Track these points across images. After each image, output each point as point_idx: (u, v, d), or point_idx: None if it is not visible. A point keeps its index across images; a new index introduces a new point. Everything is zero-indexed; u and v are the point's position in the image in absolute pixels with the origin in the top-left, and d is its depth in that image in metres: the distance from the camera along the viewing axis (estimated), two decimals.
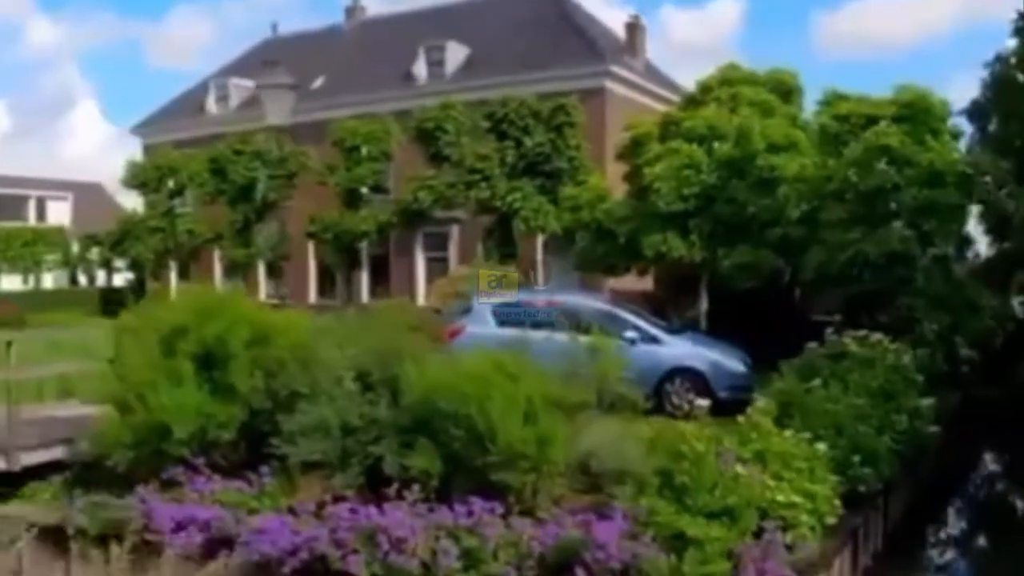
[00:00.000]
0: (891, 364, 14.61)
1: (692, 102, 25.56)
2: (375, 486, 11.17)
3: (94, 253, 53.81)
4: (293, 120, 40.09)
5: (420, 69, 40.09)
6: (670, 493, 10.05)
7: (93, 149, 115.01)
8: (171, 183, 42.17)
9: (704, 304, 23.89)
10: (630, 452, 11.17)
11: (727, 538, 9.55)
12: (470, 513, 10.23)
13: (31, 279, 54.13)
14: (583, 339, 14.23)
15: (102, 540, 11.71)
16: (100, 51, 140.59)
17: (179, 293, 14.46)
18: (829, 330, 16.16)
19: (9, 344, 12.63)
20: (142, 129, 49.34)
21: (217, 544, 10.82)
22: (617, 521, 9.88)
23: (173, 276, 46.16)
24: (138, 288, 48.42)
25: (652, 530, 9.62)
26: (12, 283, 52.84)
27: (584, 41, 37.45)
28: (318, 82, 43.92)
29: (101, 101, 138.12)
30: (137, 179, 42.77)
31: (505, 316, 17.51)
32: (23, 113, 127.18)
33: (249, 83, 46.83)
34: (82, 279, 56.34)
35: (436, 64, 39.87)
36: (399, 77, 40.66)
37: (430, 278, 38.13)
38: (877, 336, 15.39)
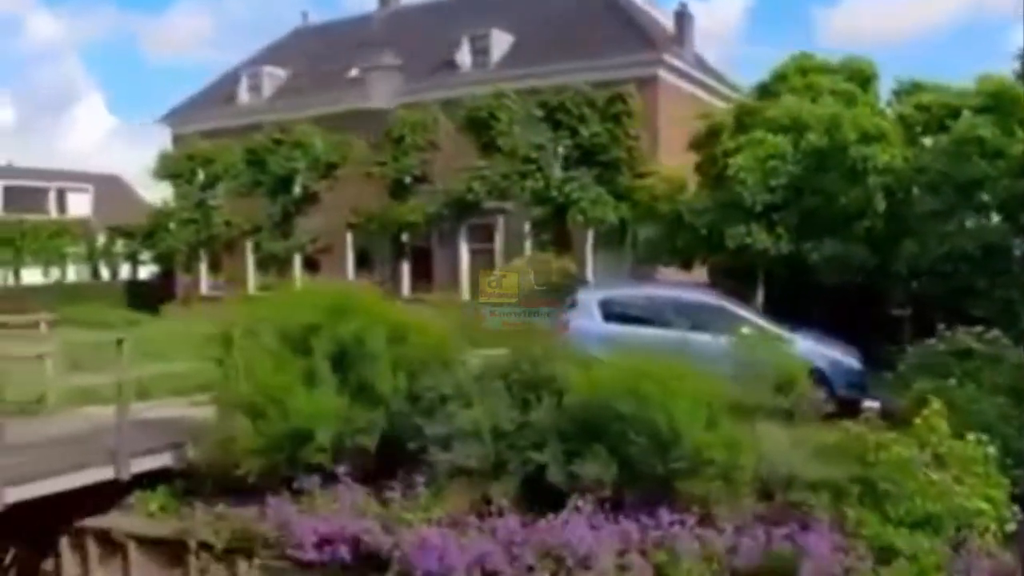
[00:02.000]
0: (1016, 362, 13.81)
1: (765, 92, 24.68)
2: (531, 495, 10.37)
3: (119, 246, 53.00)
4: (331, 109, 39.87)
5: (464, 57, 39.12)
6: (870, 501, 9.29)
7: (97, 142, 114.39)
8: (203, 174, 41.24)
9: (760, 296, 23.07)
10: (798, 457, 10.37)
11: (937, 550, 8.78)
12: (657, 525, 9.43)
13: (52, 272, 53.22)
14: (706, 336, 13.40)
15: (228, 555, 10.92)
16: (102, 44, 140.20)
17: (300, 289, 13.47)
18: (941, 326, 15.36)
19: (120, 342, 11.71)
20: (171, 119, 48.33)
21: (367, 560, 9.99)
22: (824, 532, 9.07)
23: (203, 269, 45.30)
24: (165, 281, 47.68)
25: (863, 542, 8.84)
26: (33, 276, 52.01)
27: (635, 29, 36.46)
28: (354, 71, 42.96)
29: (104, 94, 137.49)
30: (168, 170, 41.83)
31: (612, 310, 16.64)
32: (26, 107, 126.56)
33: (282, 72, 46.03)
34: (104, 272, 55.42)
35: (480, 52, 38.87)
36: (440, 66, 39.69)
37: (474, 270, 37.26)
38: (995, 332, 14.62)
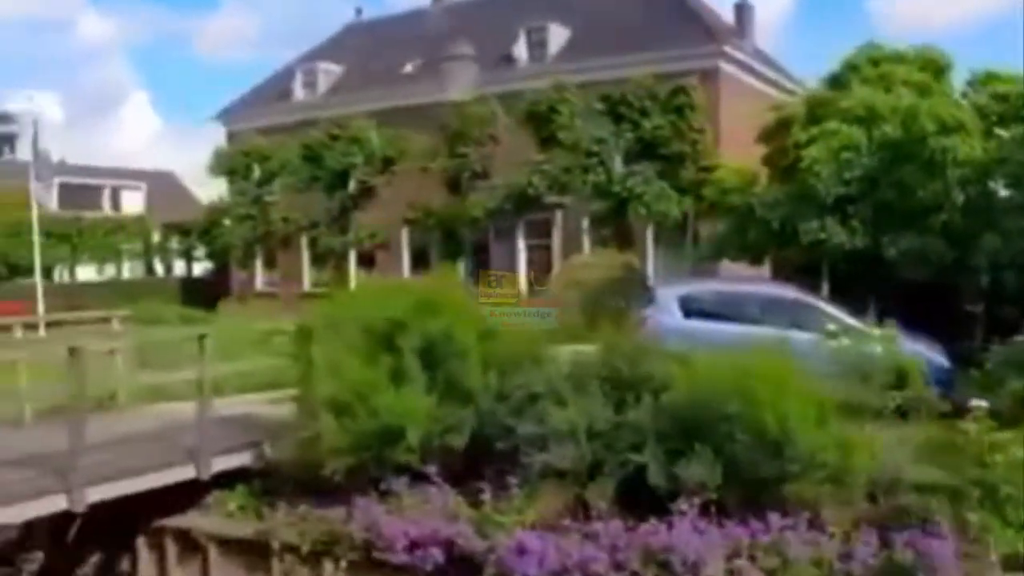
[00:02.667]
0: None
1: (836, 82, 24.14)
2: (627, 498, 9.99)
3: (174, 242, 53.19)
4: (388, 104, 39.63)
5: (520, 51, 38.67)
6: (990, 505, 8.84)
7: (142, 141, 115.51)
8: (259, 170, 41.20)
9: (824, 291, 22.57)
10: (910, 458, 9.94)
11: None
12: (766, 529, 9.02)
13: (107, 269, 53.44)
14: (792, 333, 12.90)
15: (312, 557, 10.60)
16: (149, 44, 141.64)
17: (383, 285, 13.18)
18: None
19: (202, 338, 11.43)
20: (226, 116, 48.26)
21: (460, 564, 9.63)
22: (947, 538, 8.62)
23: (258, 265, 45.22)
24: (220, 277, 47.69)
25: (986, 548, 8.40)
26: (87, 273, 52.24)
27: (695, 21, 35.90)
28: (409, 66, 42.72)
29: (149, 94, 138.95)
30: (224, 166, 41.85)
31: (691, 306, 16.20)
32: (74, 106, 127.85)
33: (337, 68, 45.84)
34: (158, 268, 55.61)
35: (537, 46, 38.43)
36: (497, 60, 39.29)
37: (532, 266, 36.94)
38: None
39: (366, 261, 41.19)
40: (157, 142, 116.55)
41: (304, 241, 42.36)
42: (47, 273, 49.26)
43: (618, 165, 30.38)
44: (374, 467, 10.63)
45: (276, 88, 47.37)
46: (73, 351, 9.67)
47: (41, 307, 29.30)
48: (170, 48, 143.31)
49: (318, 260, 43.09)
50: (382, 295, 11.55)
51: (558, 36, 38.27)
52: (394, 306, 10.92)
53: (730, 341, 11.77)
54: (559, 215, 35.39)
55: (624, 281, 25.63)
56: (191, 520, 11.66)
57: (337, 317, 11.42)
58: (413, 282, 13.20)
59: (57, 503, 9.87)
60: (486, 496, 10.11)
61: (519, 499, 10.05)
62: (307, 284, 43.67)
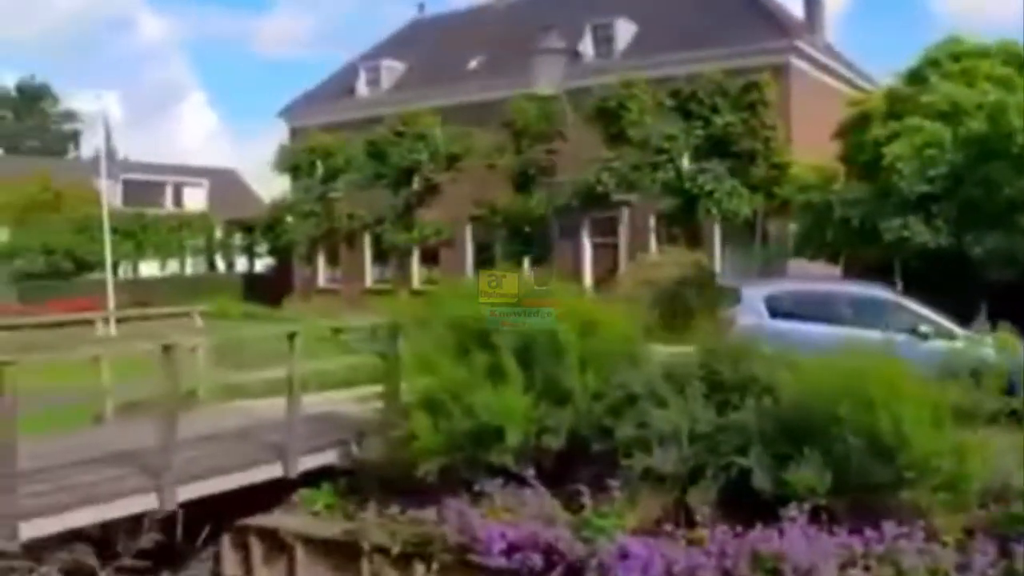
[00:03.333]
0: None
1: (915, 78, 23.64)
2: (728, 502, 9.67)
3: (237, 238, 53.39)
4: (452, 101, 39.47)
5: (587, 47, 38.36)
6: None
7: (199, 138, 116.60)
8: (323, 167, 41.19)
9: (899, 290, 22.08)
10: (1012, 463, 9.57)
11: None
12: (880, 538, 8.68)
13: (169, 265, 53.71)
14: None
15: (403, 559, 10.37)
16: (206, 43, 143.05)
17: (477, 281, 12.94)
18: None
19: (292, 336, 11.24)
20: (289, 113, 48.37)
21: (560, 569, 9.36)
22: None
23: (321, 261, 45.26)
24: (281, 274, 47.76)
25: None
26: (150, 269, 52.53)
27: (764, 16, 35.40)
28: (473, 63, 42.57)
29: (206, 92, 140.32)
30: (289, 163, 41.91)
31: (778, 306, 15.83)
32: (133, 104, 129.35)
33: (401, 64, 45.76)
34: (220, 265, 55.85)
35: (604, 42, 38.13)
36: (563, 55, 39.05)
37: (597, 264, 36.65)
38: None
39: (428, 258, 41.13)
40: (213, 140, 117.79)
41: (367, 238, 42.33)
42: (113, 269, 49.62)
43: (687, 162, 29.99)
44: (466, 468, 10.38)
45: (340, 85, 47.39)
46: (167, 348, 9.50)
47: (111, 303, 29.29)
48: (226, 48, 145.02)
49: (380, 257, 43.08)
50: (473, 292, 11.27)
51: (625, 32, 37.95)
52: (488, 303, 10.66)
53: (819, 342, 11.47)
54: (625, 213, 35.06)
55: (695, 280, 25.26)
56: (276, 519, 11.48)
57: (427, 315, 11.21)
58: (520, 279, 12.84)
59: (147, 502, 9.70)
60: (584, 499, 9.82)
61: (619, 503, 9.75)
62: (369, 281, 43.66)
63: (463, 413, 10.01)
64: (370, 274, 44.06)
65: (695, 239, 30.42)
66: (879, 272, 21.88)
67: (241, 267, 55.11)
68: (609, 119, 30.87)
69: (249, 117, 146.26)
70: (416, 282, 40.94)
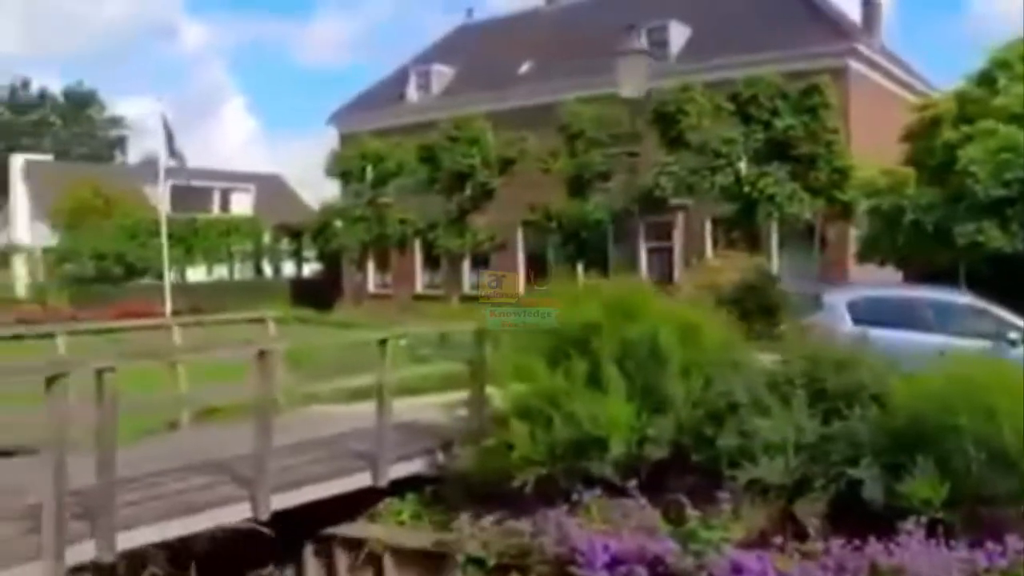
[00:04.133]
0: None
1: (985, 80, 23.23)
2: (836, 515, 9.37)
3: (285, 243, 53.48)
4: (503, 105, 39.30)
5: None
6: None
7: (239, 144, 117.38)
8: (373, 172, 41.09)
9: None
10: None
11: None
12: (1003, 552, 8.35)
13: (216, 270, 53.78)
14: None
15: (499, 570, 10.12)
16: (247, 50, 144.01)
17: (571, 286, 12.69)
18: None
19: (383, 342, 11.02)
20: (338, 119, 48.46)
21: None
22: None
23: (371, 266, 45.22)
24: (330, 279, 47.76)
25: None
26: (197, 274, 52.58)
27: (822, 18, 35.06)
28: (524, 67, 42.43)
29: (246, 98, 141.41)
30: (340, 168, 41.87)
31: (861, 312, 15.48)
32: (175, 110, 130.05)
33: (450, 69, 45.68)
34: (267, 270, 55.92)
35: (658, 45, 37.81)
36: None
37: (651, 269, 36.36)
38: None
39: (479, 264, 40.98)
40: (252, 145, 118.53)
41: (417, 243, 42.23)
42: (163, 274, 49.79)
43: (746, 166, 29.65)
44: (564, 478, 10.11)
45: (389, 90, 47.41)
46: (263, 354, 9.31)
47: (168, 308, 29.30)
48: (265, 54, 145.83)
49: (430, 262, 43.02)
50: (566, 298, 11.02)
51: (678, 35, 37.67)
52: (584, 309, 10.41)
53: (904, 348, 11.17)
54: (680, 217, 34.76)
55: (758, 285, 24.91)
56: (363, 528, 11.25)
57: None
58: (598, 284, 12.62)
59: (241, 511, 9.52)
60: (687, 511, 9.53)
61: (725, 515, 9.47)
62: (419, 286, 43.62)
63: (565, 422, 9.74)
64: (420, 279, 44.00)
65: (754, 243, 30.05)
66: (944, 276, 21.54)
67: (287, 272, 55.18)
68: (667, 123, 30.53)
69: (288, 123, 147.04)
70: (467, 287, 40.80)
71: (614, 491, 10.13)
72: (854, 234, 29.02)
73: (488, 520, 10.46)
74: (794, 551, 8.93)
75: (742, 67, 32.67)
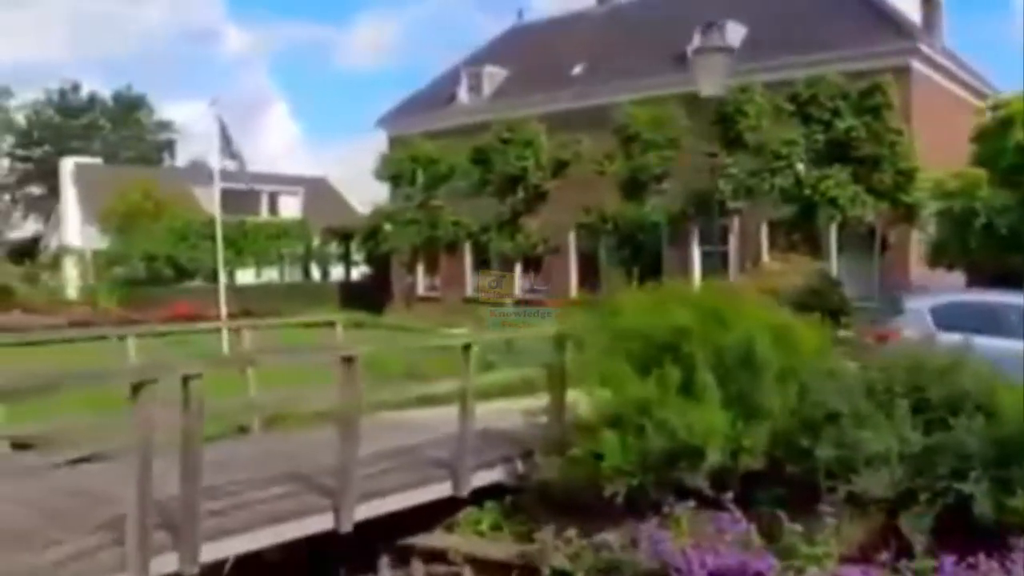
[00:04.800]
0: None
1: None
2: (940, 529, 8.96)
3: (333, 246, 53.44)
4: (555, 107, 38.97)
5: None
6: None
7: (282, 147, 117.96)
8: (424, 174, 40.87)
9: None
10: None
11: None
12: None
13: (264, 273, 53.77)
14: None
15: None
16: (289, 56, 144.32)
17: (656, 289, 12.34)
18: None
19: (467, 348, 10.71)
20: (387, 121, 48.24)
21: None
22: None
23: (420, 269, 45.01)
24: (378, 282, 47.61)
25: None
26: (245, 277, 52.57)
27: (882, 17, 34.34)
28: (577, 68, 42.04)
29: (288, 102, 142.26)
30: (391, 171, 41.68)
31: (944, 318, 15.03)
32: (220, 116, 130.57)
33: (502, 71, 45.38)
34: (315, 272, 55.89)
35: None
36: (671, 60, 38.29)
37: (705, 272, 35.90)
38: None
39: (530, 266, 40.67)
40: (295, 149, 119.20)
41: (468, 246, 41.98)
42: (213, 276, 49.80)
43: (803, 168, 29.21)
44: (654, 489, 9.76)
45: (439, 92, 47.11)
46: (348, 360, 9.01)
47: (224, 310, 29.15)
48: (309, 59, 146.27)
49: (480, 265, 42.74)
50: (654, 303, 10.67)
51: (734, 34, 37.09)
52: (672, 313, 10.05)
53: (991, 354, 10.71)
54: (736, 220, 34.26)
55: (821, 289, 24.48)
56: (441, 539, 10.94)
57: (600, 325, 10.64)
58: (687, 288, 12.29)
59: (323, 521, 9.24)
60: (783, 524, 9.16)
61: (825, 529, 9.08)
62: (469, 289, 43.31)
63: (657, 431, 9.39)
64: (470, 283, 43.74)
65: (813, 247, 29.56)
66: (1005, 281, 21.05)
67: (335, 275, 55.12)
68: (726, 124, 30.09)
69: (329, 127, 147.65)
70: (518, 291, 40.52)
71: (705, 503, 9.78)
72: (916, 237, 28.57)
73: (573, 532, 10.12)
74: (903, 568, 8.55)
75: (801, 67, 32.19)
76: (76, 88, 79.45)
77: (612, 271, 37.70)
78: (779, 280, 25.81)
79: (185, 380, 7.68)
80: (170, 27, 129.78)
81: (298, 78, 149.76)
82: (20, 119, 77.07)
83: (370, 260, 50.42)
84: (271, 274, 53.30)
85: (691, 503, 9.69)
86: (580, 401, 10.76)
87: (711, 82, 16.30)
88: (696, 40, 37.38)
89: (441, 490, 10.56)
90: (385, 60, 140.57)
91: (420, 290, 45.12)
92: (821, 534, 8.98)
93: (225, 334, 24.39)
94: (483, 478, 11.02)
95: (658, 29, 39.96)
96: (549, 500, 10.72)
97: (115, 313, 39.96)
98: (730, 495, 9.52)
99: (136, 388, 7.31)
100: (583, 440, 10.06)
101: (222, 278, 30.47)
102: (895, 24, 34.10)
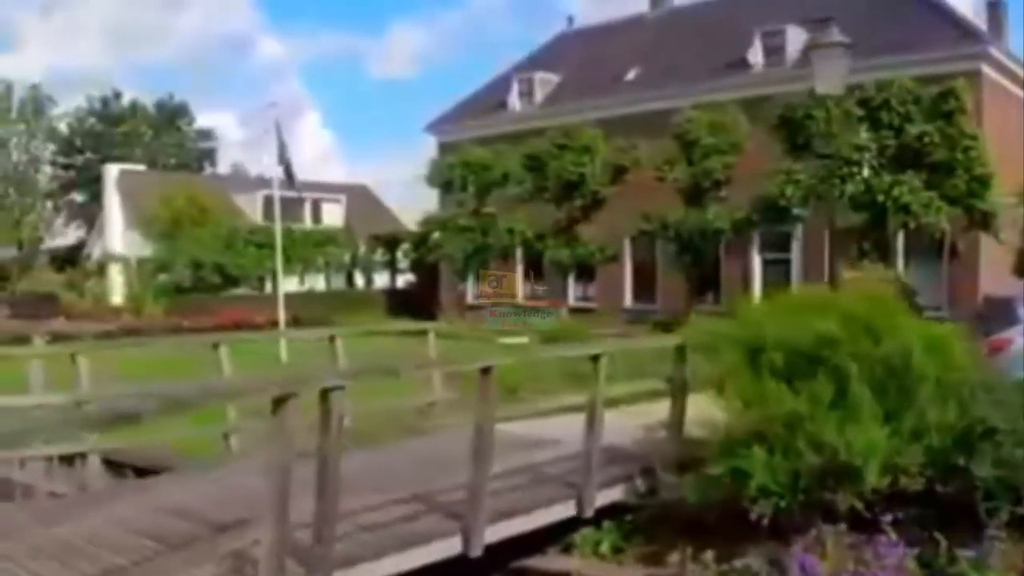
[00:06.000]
0: None
1: None
2: None
3: (379, 253, 53.04)
4: (609, 113, 38.36)
5: (756, 56, 36.99)
6: None
7: (315, 156, 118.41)
8: (475, 181, 40.21)
9: None
10: None
11: None
12: None
13: (306, 280, 53.33)
14: None
15: None
16: (322, 65, 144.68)
17: (795, 296, 11.72)
18: None
19: (597, 358, 10.06)
20: (437, 127, 47.83)
21: None
22: None
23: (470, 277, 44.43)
24: (424, 290, 47.07)
25: None
26: (288, 284, 52.08)
27: (950, 21, 33.60)
28: (631, 74, 41.45)
29: (321, 111, 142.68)
30: (442, 177, 41.09)
31: None
32: (254, 124, 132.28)
33: (554, 76, 44.86)
34: (358, 280, 55.44)
35: (775, 50, 36.68)
36: (730, 64, 37.64)
37: (767, 282, 35.20)
38: None
39: (582, 275, 40.07)
40: (329, 158, 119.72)
41: (519, 254, 41.39)
42: (259, 283, 49.52)
43: (873, 173, 28.44)
44: (800, 511, 9.10)
45: (490, 99, 46.66)
46: (486, 370, 8.40)
47: (282, 318, 28.70)
48: (342, 68, 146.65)
49: (532, 274, 42.18)
50: (787, 310, 10.01)
51: (796, 39, 36.41)
52: (816, 323, 9.38)
53: None
54: (799, 227, 33.50)
55: (901, 300, 23.66)
56: (560, 562, 10.28)
57: (731, 335, 9.99)
58: (829, 295, 11.63)
59: (451, 546, 8.60)
60: (955, 551, 8.48)
61: (992, 555, 8.40)
62: (520, 298, 42.76)
63: (810, 449, 8.73)
64: (521, 291, 43.17)
65: (886, 255, 28.78)
66: None
67: (379, 283, 54.65)
68: (794, 129, 29.35)
69: (363, 136, 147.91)
70: (571, 300, 39.96)
71: (855, 526, 9.11)
72: (985, 243, 27.98)
73: (709, 556, 9.47)
74: None
75: (864, 72, 31.35)
76: (118, 96, 79.48)
77: (667, 280, 37.11)
78: (855, 289, 25.04)
79: (324, 393, 7.08)
80: (206, 36, 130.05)
81: (330, 87, 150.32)
82: (62, 127, 76.94)
83: (416, 268, 49.91)
84: (312, 282, 52.83)
85: (841, 526, 9.03)
86: (707, 415, 10.12)
87: (829, 80, 15.66)
88: (757, 45, 36.80)
89: (565, 510, 9.91)
90: (417, 69, 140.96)
91: (469, 298, 44.54)
92: (990, 560, 8.32)
93: (283, 343, 24.06)
94: (605, 497, 10.38)
95: (715, 34, 39.33)
96: (675, 520, 10.09)
97: (161, 319, 39.61)
98: (888, 517, 8.84)
99: (278, 403, 6.71)
100: (719, 457, 9.41)
101: (280, 286, 30.05)
102: (962, 28, 33.37)
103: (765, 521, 9.04)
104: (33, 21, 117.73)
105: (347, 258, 53.21)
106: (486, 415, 8.50)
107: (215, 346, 12.12)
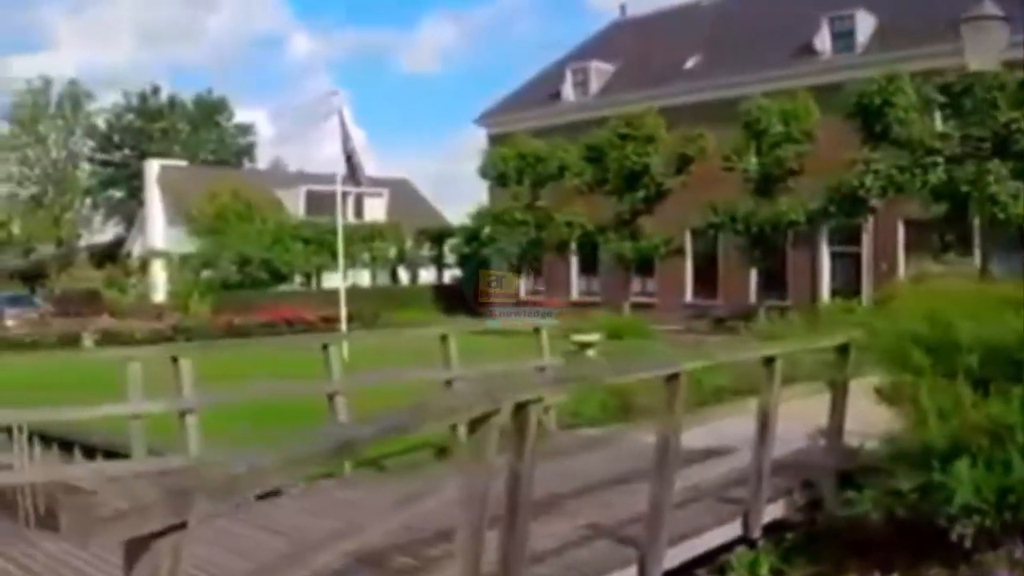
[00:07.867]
0: None
1: None
2: None
3: (426, 249, 52.24)
4: (668, 102, 37.32)
5: (823, 42, 35.89)
6: None
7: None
8: (530, 173, 39.26)
9: None
10: None
11: None
12: None
13: (349, 276, 52.54)
14: None
15: None
16: (352, 61, 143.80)
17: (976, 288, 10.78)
18: None
19: (770, 361, 9.08)
20: (487, 119, 47.02)
21: None
22: None
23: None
24: (475, 285, 46.20)
25: None
26: (331, 280, 51.38)
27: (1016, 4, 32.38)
28: (691, 62, 40.43)
29: (352, 107, 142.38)
30: (497, 170, 40.14)
31: None
32: (284, 121, 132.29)
33: (609, 66, 43.92)
34: (403, 275, 54.67)
35: (843, 36, 35.54)
36: (795, 51, 36.56)
37: (835, 275, 34.19)
38: None
39: (641, 269, 39.05)
40: (361, 153, 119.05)
41: (574, 248, 40.49)
42: (307, 279, 48.83)
43: (957, 162, 27.34)
44: (1001, 530, 8.12)
45: (543, 89, 45.81)
46: (673, 377, 7.44)
47: (344, 314, 27.84)
48: (370, 63, 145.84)
49: (587, 268, 41.32)
50: (975, 305, 9.04)
51: (865, 24, 35.29)
52: (1013, 320, 8.43)
53: None
54: (871, 219, 32.37)
55: None
56: None
57: (918, 335, 9.00)
58: (992, 288, 10.65)
59: None
60: None
61: None
62: (575, 294, 41.91)
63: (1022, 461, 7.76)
64: (576, 286, 42.26)
65: (967, 247, 27.66)
66: None
67: (424, 278, 53.89)
68: (871, 116, 28.25)
69: (393, 131, 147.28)
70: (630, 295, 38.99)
71: None
72: None
73: None
74: None
75: (936, 57, 30.25)
76: (156, 91, 78.82)
77: (730, 273, 36.13)
78: (942, 284, 24.00)
79: (517, 408, 6.13)
80: (236, 34, 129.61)
81: (361, 83, 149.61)
82: (100, 123, 76.44)
83: (464, 262, 49.04)
84: (355, 277, 52.07)
85: None
86: (878, 422, 9.15)
87: (983, 55, 14.62)
88: (825, 31, 35.72)
89: (731, 530, 8.94)
90: (448, 65, 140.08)
91: (521, 293, 43.64)
92: None
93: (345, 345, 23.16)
94: (769, 514, 9.40)
95: (780, 20, 38.21)
96: (840, 538, 9.13)
97: (210, 317, 38.88)
98: None
99: (475, 424, 5.76)
100: (908, 470, 8.45)
101: (342, 282, 29.13)
102: None
103: (955, 539, 8.09)
104: (64, 21, 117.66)
105: (392, 253, 52.20)
106: (672, 427, 7.50)
107: (324, 347, 11.18)
